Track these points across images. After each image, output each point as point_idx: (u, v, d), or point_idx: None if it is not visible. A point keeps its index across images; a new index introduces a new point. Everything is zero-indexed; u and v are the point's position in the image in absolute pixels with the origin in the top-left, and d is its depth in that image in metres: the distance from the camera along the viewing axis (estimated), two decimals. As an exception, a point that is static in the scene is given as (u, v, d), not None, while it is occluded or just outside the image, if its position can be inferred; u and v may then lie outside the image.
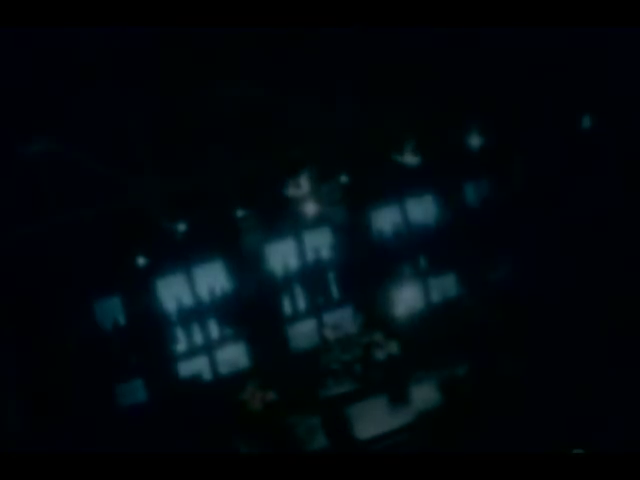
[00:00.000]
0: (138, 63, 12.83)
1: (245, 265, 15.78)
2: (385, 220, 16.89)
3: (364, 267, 16.41)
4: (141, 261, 14.62)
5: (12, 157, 12.55)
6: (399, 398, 14.11)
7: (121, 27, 11.07)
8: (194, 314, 15.65)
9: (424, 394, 14.26)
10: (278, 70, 13.94)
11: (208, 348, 15.80)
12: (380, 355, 14.44)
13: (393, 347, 14.40)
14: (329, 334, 15.73)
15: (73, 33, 11.76)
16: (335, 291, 16.48)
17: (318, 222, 15.91)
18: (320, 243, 16.37)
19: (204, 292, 15.75)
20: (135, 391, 15.32)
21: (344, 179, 15.80)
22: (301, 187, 14.12)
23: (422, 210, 17.13)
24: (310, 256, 16.29)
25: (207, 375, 15.77)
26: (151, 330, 15.35)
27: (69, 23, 10.55)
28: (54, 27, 10.60)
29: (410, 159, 14.91)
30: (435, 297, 17.00)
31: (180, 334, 15.65)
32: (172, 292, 15.57)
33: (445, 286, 17.09)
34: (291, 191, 14.17)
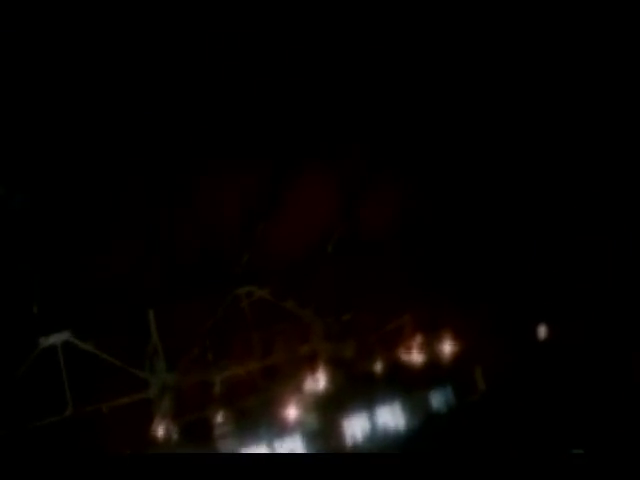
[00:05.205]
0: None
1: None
2: (356, 426, 17.13)
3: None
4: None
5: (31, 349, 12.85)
6: None
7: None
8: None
9: None
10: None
11: None
12: None
13: None
14: None
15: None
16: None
17: (292, 427, 16.06)
18: (293, 448, 16.40)
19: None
20: None
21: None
22: (321, 381, 14.60)
23: (392, 416, 17.50)
24: (283, 461, 16.26)
25: None
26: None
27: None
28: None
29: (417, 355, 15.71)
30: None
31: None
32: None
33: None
34: (309, 385, 14.58)
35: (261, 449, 16.23)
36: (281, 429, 16.08)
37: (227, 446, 15.83)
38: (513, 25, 11.53)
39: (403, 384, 17.57)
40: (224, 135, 12.33)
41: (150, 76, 10.56)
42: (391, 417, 17.66)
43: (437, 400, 18.31)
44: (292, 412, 15.56)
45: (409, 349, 16.92)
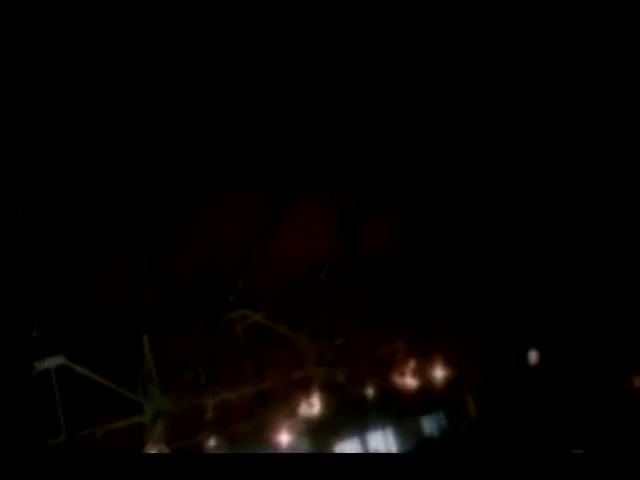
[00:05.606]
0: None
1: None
2: (348, 451, 17.15)
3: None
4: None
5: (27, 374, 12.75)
6: None
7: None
8: None
9: None
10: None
11: None
12: None
13: None
14: None
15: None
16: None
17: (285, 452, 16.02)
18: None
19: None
20: None
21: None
22: (314, 406, 14.60)
23: (383, 441, 17.55)
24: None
25: None
26: None
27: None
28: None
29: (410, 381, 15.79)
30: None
31: None
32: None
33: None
34: (304, 410, 14.57)
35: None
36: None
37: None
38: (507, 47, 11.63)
39: (395, 410, 17.63)
40: (223, 158, 12.38)
41: (148, 94, 10.64)
42: (383, 442, 17.72)
43: (428, 426, 18.38)
44: (284, 437, 15.52)
45: (401, 375, 16.95)
